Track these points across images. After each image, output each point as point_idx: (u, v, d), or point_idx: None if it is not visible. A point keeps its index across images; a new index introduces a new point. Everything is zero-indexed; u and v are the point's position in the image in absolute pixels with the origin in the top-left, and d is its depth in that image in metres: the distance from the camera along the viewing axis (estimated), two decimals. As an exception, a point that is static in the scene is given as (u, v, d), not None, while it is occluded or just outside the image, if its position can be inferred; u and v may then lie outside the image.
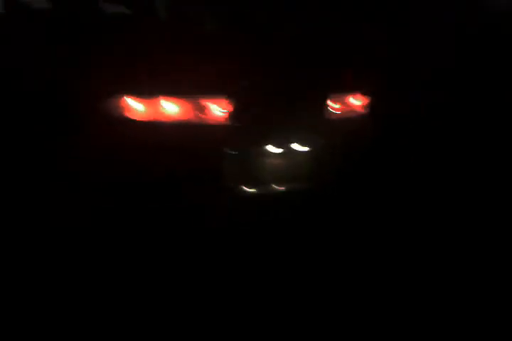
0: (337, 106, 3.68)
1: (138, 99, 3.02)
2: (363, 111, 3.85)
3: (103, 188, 3.01)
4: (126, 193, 3.01)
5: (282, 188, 3.36)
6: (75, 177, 3.02)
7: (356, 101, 3.81)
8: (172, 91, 3.04)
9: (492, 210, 3.71)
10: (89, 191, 3.01)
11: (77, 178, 3.02)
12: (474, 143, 4.78)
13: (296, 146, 3.42)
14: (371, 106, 3.88)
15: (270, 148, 3.33)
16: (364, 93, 3.85)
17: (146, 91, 3.02)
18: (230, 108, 3.14)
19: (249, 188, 3.26)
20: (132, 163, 3.01)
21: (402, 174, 4.26)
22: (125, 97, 3.00)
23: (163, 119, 3.04)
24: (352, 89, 3.80)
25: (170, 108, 3.04)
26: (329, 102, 3.61)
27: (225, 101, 3.13)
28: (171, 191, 3.04)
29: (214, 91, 3.13)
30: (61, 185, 3.03)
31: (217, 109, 3.12)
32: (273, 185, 3.35)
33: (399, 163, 4.32)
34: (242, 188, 3.24)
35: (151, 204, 3.03)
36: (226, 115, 3.14)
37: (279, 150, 3.35)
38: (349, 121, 3.74)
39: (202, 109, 3.09)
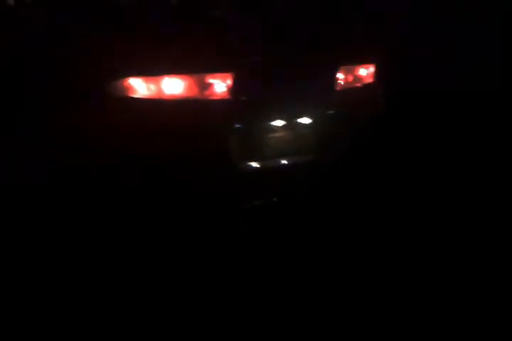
0: (346, 77, 3.67)
1: (143, 78, 3.03)
2: (371, 82, 3.83)
3: (110, 169, 3.03)
4: (134, 172, 3.04)
5: (290, 162, 3.37)
6: (81, 160, 3.05)
7: (365, 73, 3.79)
8: (176, 69, 3.06)
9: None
10: (95, 172, 3.03)
11: (83, 160, 3.04)
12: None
13: (304, 120, 3.42)
14: (380, 78, 3.86)
15: (278, 122, 3.33)
16: (373, 64, 3.82)
17: (151, 71, 3.04)
18: (236, 83, 3.13)
19: (257, 163, 3.27)
20: (140, 142, 3.03)
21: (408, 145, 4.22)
22: (130, 78, 3.02)
23: (168, 98, 3.06)
24: (361, 61, 3.78)
25: (175, 86, 3.05)
26: (338, 74, 3.59)
27: (230, 78, 3.13)
28: (177, 169, 3.06)
29: (219, 67, 3.13)
30: (65, 167, 3.07)
31: (223, 86, 3.12)
32: (281, 159, 3.36)
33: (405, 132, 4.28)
34: (249, 163, 3.25)
35: (158, 181, 3.07)
36: (231, 91, 3.14)
37: (287, 124, 3.35)
38: (358, 93, 3.73)
39: (207, 86, 3.11)
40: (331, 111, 3.52)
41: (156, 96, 3.06)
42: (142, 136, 3.04)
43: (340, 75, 3.62)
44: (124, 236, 3.02)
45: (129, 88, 3.04)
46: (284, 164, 3.35)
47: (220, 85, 3.14)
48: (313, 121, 3.43)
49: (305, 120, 3.41)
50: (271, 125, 3.32)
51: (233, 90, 3.15)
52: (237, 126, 3.23)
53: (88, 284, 2.70)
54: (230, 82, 3.14)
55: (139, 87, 3.04)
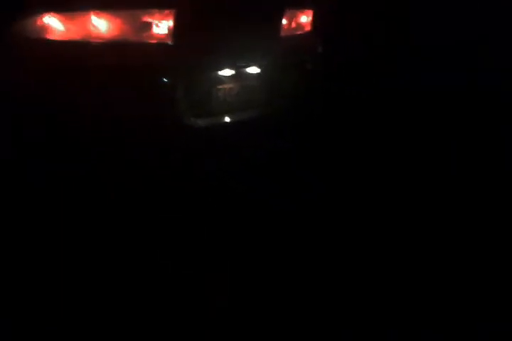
0: (288, 23, 3.40)
1: (62, 16, 2.59)
2: (311, 30, 3.59)
3: (27, 122, 2.63)
4: (54, 126, 2.63)
5: (237, 117, 3.05)
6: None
7: (308, 19, 3.56)
8: (104, 5, 2.61)
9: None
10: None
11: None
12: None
13: (249, 69, 3.10)
14: (321, 25, 3.66)
15: (222, 71, 2.97)
16: (315, 10, 3.58)
17: (73, 6, 2.59)
18: (175, 25, 2.72)
19: (201, 119, 2.90)
20: (60, 94, 2.61)
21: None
22: (46, 15, 2.57)
23: (94, 40, 2.63)
24: (305, 6, 3.54)
25: (103, 26, 2.62)
26: (283, 19, 3.30)
27: (169, 17, 2.71)
28: (105, 127, 2.65)
29: (156, 4, 2.71)
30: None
31: (160, 26, 2.70)
32: (227, 114, 3.02)
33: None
34: (192, 119, 2.87)
35: (83, 137, 2.66)
36: (170, 33, 2.72)
37: (232, 74, 2.99)
38: (300, 39, 3.49)
39: (142, 27, 2.68)
40: (278, 60, 3.21)
41: (79, 39, 2.63)
42: (60, 88, 2.61)
43: (284, 21, 3.30)
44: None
45: (45, 28, 2.59)
46: (234, 120, 3.00)
47: (156, 26, 2.71)
48: (262, 71, 3.13)
49: (253, 69, 3.09)
50: (218, 75, 2.96)
51: (171, 33, 2.73)
52: (176, 75, 2.79)
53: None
54: (168, 22, 2.70)
55: (57, 26, 2.60)
